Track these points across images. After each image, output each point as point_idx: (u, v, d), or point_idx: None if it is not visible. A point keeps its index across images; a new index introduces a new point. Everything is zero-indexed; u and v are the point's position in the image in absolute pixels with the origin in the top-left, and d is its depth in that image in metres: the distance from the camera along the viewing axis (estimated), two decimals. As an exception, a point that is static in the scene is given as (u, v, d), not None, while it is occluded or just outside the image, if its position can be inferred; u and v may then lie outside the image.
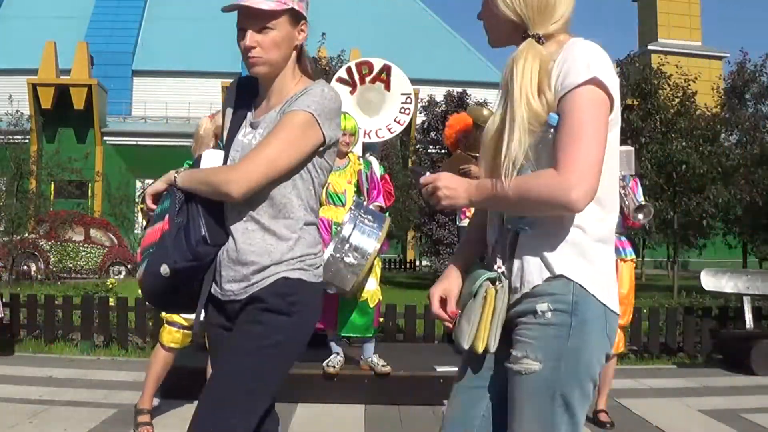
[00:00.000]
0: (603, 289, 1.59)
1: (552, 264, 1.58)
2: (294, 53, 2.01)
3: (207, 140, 3.79)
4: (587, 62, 1.52)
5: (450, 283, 1.78)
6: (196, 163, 2.13)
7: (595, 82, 1.51)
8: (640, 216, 3.93)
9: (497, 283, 1.64)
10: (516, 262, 1.63)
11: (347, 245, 4.16)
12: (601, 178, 1.51)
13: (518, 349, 1.60)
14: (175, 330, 3.83)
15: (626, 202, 3.95)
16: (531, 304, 1.59)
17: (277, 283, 1.92)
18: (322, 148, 1.96)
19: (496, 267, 1.66)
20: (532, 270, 1.59)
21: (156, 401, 4.10)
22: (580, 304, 1.56)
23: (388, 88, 6.01)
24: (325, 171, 2.02)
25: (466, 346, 1.65)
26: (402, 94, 6.05)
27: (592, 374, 1.60)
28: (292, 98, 1.94)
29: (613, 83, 1.54)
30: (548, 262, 1.58)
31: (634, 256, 4.25)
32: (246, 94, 2.09)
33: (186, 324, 3.79)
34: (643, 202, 3.95)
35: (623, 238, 4.19)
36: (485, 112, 5.33)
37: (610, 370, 4.26)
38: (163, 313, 3.83)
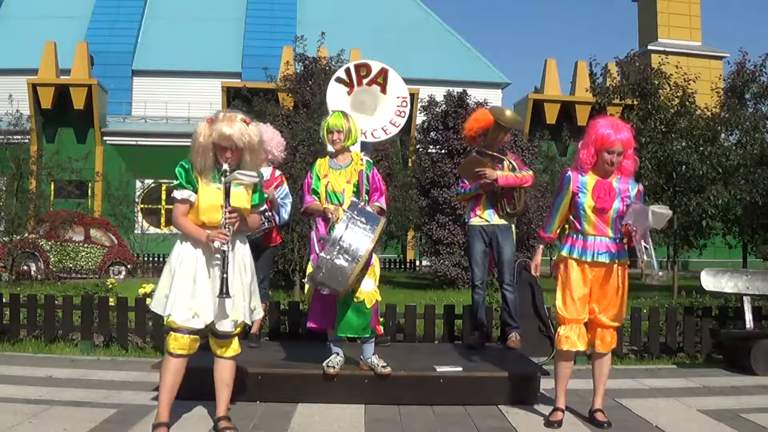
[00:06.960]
0: None
1: None
2: None
3: (208, 149, 3.60)
4: None
5: None
6: None
7: None
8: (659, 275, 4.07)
9: None
10: None
11: (338, 247, 4.15)
12: None
13: None
14: (181, 336, 3.65)
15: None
16: None
17: None
18: None
19: None
20: None
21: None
22: None
23: (384, 91, 6.11)
24: None
25: None
26: (398, 97, 6.14)
27: None
28: None
29: None
30: None
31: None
32: None
33: (193, 329, 3.66)
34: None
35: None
36: (508, 113, 5.35)
37: (605, 368, 4.22)
38: (168, 320, 3.67)
